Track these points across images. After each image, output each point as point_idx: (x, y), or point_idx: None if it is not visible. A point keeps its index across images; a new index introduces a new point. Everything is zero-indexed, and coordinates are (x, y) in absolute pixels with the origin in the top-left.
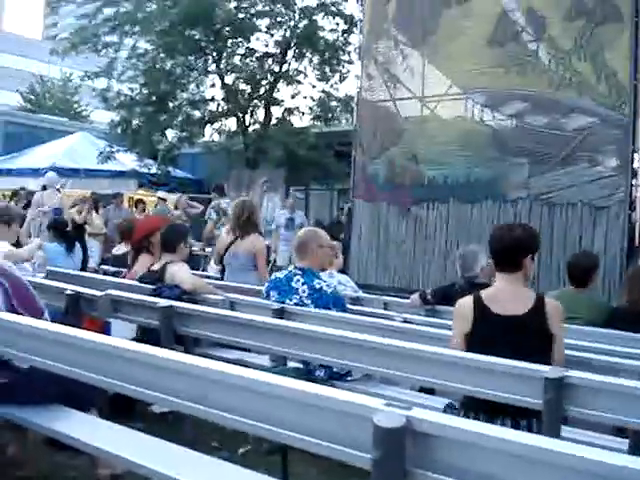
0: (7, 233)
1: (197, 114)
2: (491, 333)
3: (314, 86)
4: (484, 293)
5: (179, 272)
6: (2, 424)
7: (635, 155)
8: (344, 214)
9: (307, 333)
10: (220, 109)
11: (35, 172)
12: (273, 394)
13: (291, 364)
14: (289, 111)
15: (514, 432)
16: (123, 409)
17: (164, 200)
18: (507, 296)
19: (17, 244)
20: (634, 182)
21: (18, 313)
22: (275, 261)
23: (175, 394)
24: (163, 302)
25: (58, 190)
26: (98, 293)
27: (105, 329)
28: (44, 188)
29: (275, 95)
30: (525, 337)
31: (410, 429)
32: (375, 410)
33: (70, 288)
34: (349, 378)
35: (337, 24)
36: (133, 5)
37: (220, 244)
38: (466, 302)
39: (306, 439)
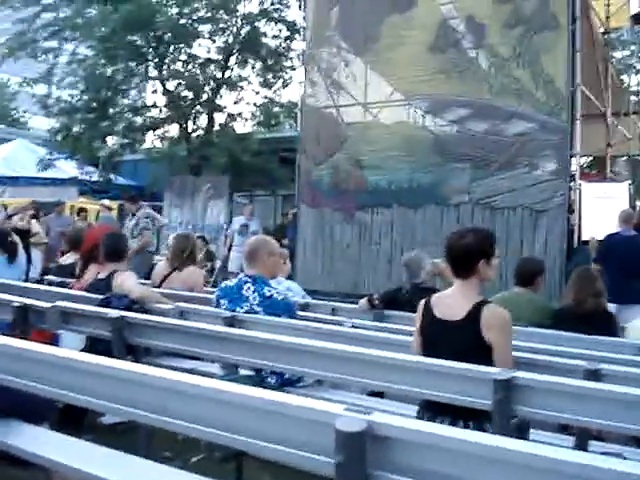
0: None
1: (139, 120)
2: (433, 336)
3: (257, 92)
4: (434, 297)
5: (126, 281)
6: None
7: (572, 159)
8: (289, 219)
9: (258, 340)
10: (162, 115)
11: None
12: (232, 402)
13: (243, 372)
14: (232, 117)
15: (472, 432)
16: (73, 421)
17: (109, 208)
18: (452, 301)
19: None
20: (572, 185)
21: None
22: (226, 267)
23: (129, 404)
24: (114, 313)
25: None
26: (46, 305)
27: (54, 340)
28: None
29: (218, 101)
30: (461, 342)
31: (371, 433)
32: (336, 415)
33: (17, 300)
34: (301, 384)
35: (280, 30)
36: (73, 10)
37: (156, 275)
38: (420, 305)
39: (267, 446)
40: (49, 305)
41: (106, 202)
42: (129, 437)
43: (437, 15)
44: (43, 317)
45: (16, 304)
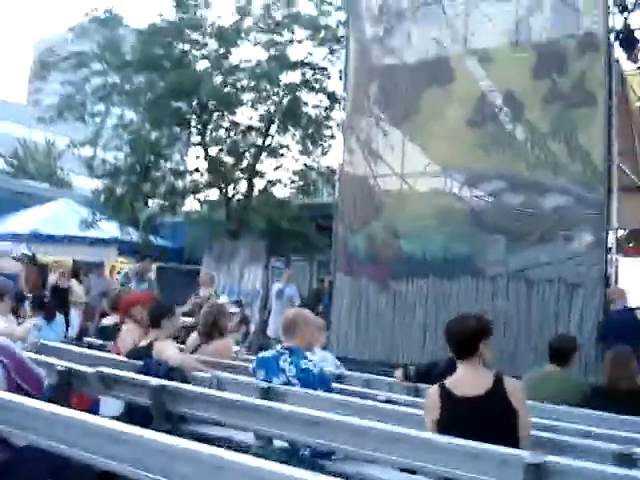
0: (1, 307)
1: (180, 184)
2: (457, 416)
3: (297, 159)
4: (448, 380)
5: (166, 350)
6: None
7: (609, 233)
8: (324, 287)
9: (293, 414)
10: (203, 180)
11: (17, 237)
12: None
13: (277, 442)
14: (271, 183)
15: None
16: None
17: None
18: (468, 380)
19: None
20: (608, 259)
21: (19, 387)
22: (264, 332)
23: (164, 474)
24: (154, 381)
25: (14, 258)
26: (90, 370)
27: (94, 405)
28: None
29: (258, 167)
30: (488, 415)
31: None
32: None
33: (61, 364)
34: (333, 457)
35: (320, 100)
36: (121, 77)
37: (188, 347)
38: (433, 391)
39: None
40: (92, 370)
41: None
42: None
43: (476, 89)
44: (85, 381)
45: (60, 367)
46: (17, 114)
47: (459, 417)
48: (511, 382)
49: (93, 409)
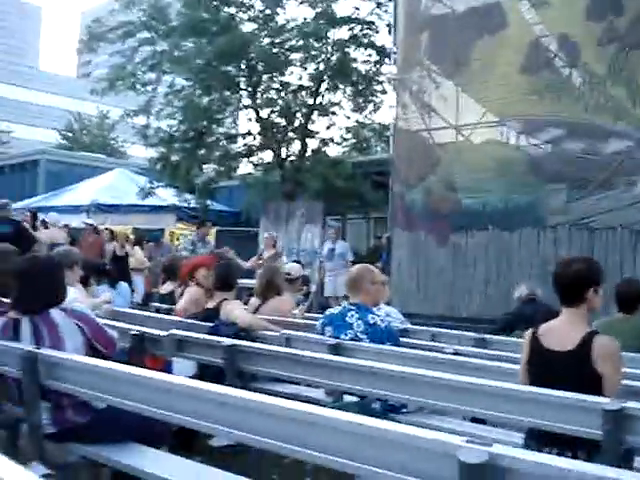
0: (71, 277)
1: (234, 148)
2: (541, 366)
3: (348, 117)
4: (542, 327)
5: (234, 310)
6: (79, 461)
7: None
8: (382, 243)
9: (363, 368)
10: (256, 143)
11: (77, 209)
12: (348, 430)
13: (347, 398)
14: (324, 142)
15: (593, 466)
16: (184, 444)
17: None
18: (561, 331)
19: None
20: None
21: (95, 348)
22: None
23: (237, 427)
24: (226, 341)
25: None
26: (162, 333)
27: (167, 367)
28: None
29: (310, 127)
30: (571, 372)
31: (492, 464)
32: (458, 447)
33: (134, 328)
34: (404, 410)
35: (369, 55)
36: (170, 44)
37: (249, 308)
38: (527, 335)
39: (384, 473)
40: (165, 333)
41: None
42: (238, 459)
43: (529, 35)
44: (158, 344)
45: (133, 332)
46: (67, 87)
47: (541, 367)
48: (603, 343)
49: (166, 370)
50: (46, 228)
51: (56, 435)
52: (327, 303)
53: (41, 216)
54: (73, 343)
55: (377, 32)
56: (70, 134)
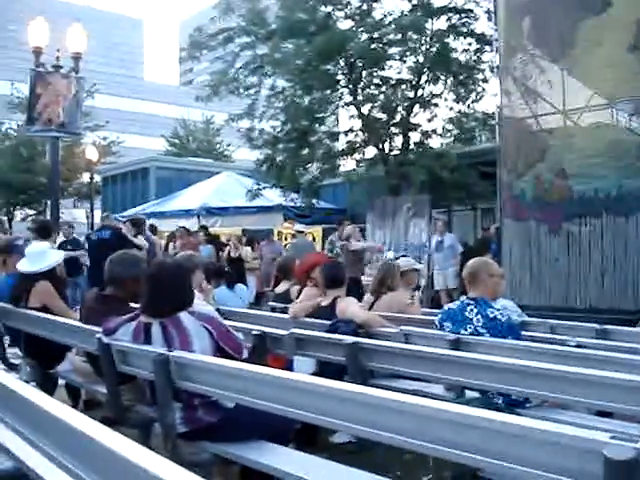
0: (194, 280)
1: (337, 146)
2: None
3: (451, 108)
4: None
5: (350, 307)
6: (210, 459)
7: None
8: (491, 234)
9: (484, 363)
10: (359, 139)
11: (187, 213)
12: (481, 426)
13: (468, 393)
14: (427, 135)
15: None
16: (308, 440)
17: (302, 232)
18: None
19: None
20: None
21: (224, 352)
22: (432, 286)
23: (363, 423)
24: (348, 339)
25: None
26: (283, 332)
27: (288, 365)
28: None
29: (412, 120)
30: None
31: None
32: (604, 444)
33: (256, 328)
34: (528, 405)
35: (469, 44)
36: (270, 47)
37: (363, 305)
38: None
39: (526, 470)
40: (286, 332)
41: (299, 227)
42: (359, 456)
43: (635, 12)
44: (279, 343)
45: (255, 332)
46: (172, 96)
47: None
48: None
49: (287, 369)
50: (154, 234)
51: (188, 434)
52: (438, 297)
53: (154, 222)
54: (201, 345)
55: (476, 20)
56: (177, 141)
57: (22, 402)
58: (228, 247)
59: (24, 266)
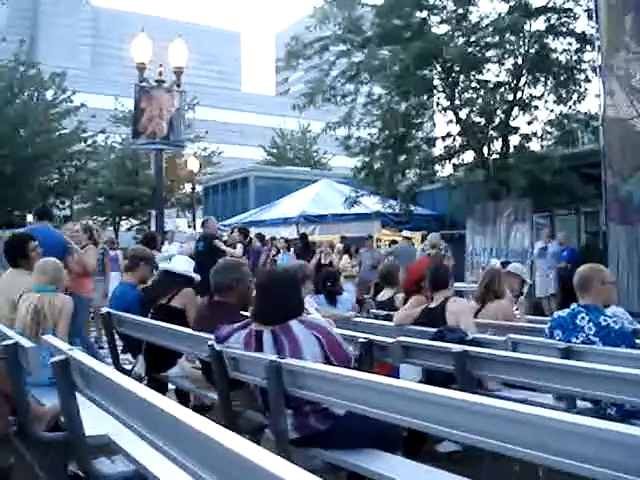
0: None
1: (434, 151)
2: None
3: (551, 110)
4: None
5: (463, 315)
6: (322, 466)
7: None
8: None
9: (596, 372)
10: (457, 144)
11: (286, 221)
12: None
13: (579, 403)
14: (527, 138)
15: None
16: (413, 449)
17: (409, 239)
18: None
19: None
20: None
21: (331, 362)
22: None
23: (467, 429)
24: (456, 347)
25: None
26: (390, 340)
27: (394, 372)
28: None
29: (511, 123)
30: None
31: None
32: None
33: (362, 336)
34: None
35: (569, 44)
36: (366, 54)
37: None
38: None
39: None
40: (392, 340)
41: (406, 233)
42: (465, 465)
43: None
44: (385, 351)
45: (362, 339)
46: (267, 106)
47: None
48: None
49: (393, 376)
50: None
51: (299, 440)
52: (540, 304)
53: (255, 230)
54: (311, 353)
55: (576, 19)
56: (275, 150)
57: (141, 404)
58: (319, 254)
59: (182, 266)
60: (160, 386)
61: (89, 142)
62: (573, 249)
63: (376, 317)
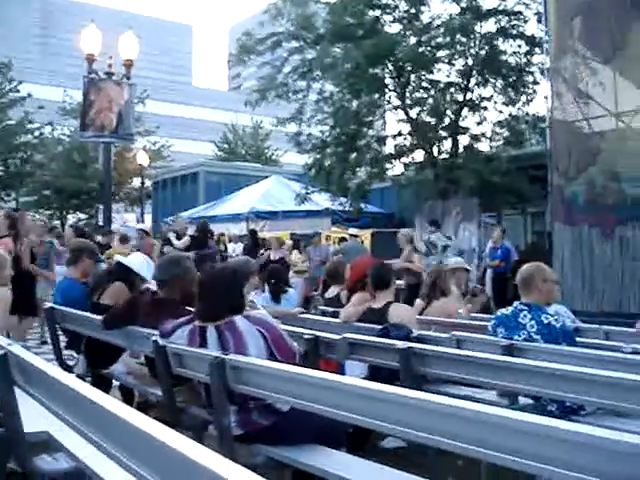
0: (247, 286)
1: (385, 150)
2: None
3: (500, 111)
4: None
5: (404, 313)
6: (266, 462)
7: None
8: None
9: (538, 369)
10: (407, 143)
11: (236, 217)
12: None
13: (521, 399)
14: (476, 138)
15: None
16: (358, 445)
17: (355, 236)
18: None
19: None
20: None
21: (276, 358)
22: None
23: (419, 428)
24: (401, 344)
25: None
26: (336, 337)
27: (340, 369)
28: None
29: (461, 123)
30: None
31: None
32: None
33: (309, 332)
34: (583, 412)
35: (519, 46)
36: (318, 52)
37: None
38: None
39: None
40: (338, 337)
41: (352, 230)
42: (410, 460)
43: None
44: (331, 348)
45: (307, 336)
46: (220, 101)
47: None
48: None
49: (339, 373)
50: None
51: (242, 437)
52: (488, 303)
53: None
54: (256, 348)
55: (525, 22)
56: (226, 145)
57: (82, 401)
58: (267, 250)
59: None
60: (104, 382)
61: (36, 134)
62: (508, 248)
63: (324, 314)
